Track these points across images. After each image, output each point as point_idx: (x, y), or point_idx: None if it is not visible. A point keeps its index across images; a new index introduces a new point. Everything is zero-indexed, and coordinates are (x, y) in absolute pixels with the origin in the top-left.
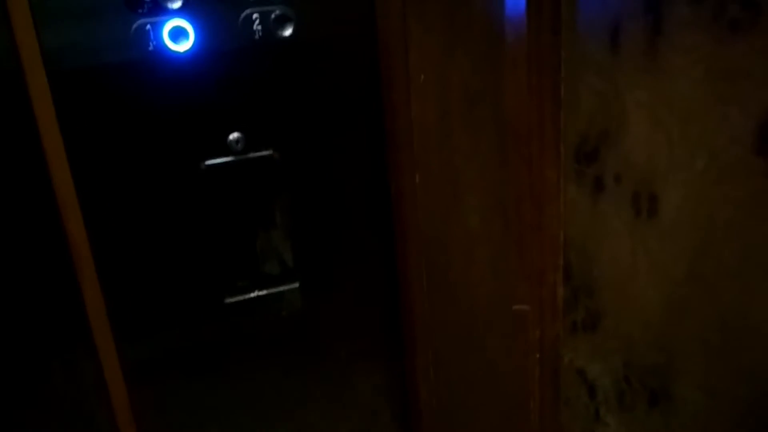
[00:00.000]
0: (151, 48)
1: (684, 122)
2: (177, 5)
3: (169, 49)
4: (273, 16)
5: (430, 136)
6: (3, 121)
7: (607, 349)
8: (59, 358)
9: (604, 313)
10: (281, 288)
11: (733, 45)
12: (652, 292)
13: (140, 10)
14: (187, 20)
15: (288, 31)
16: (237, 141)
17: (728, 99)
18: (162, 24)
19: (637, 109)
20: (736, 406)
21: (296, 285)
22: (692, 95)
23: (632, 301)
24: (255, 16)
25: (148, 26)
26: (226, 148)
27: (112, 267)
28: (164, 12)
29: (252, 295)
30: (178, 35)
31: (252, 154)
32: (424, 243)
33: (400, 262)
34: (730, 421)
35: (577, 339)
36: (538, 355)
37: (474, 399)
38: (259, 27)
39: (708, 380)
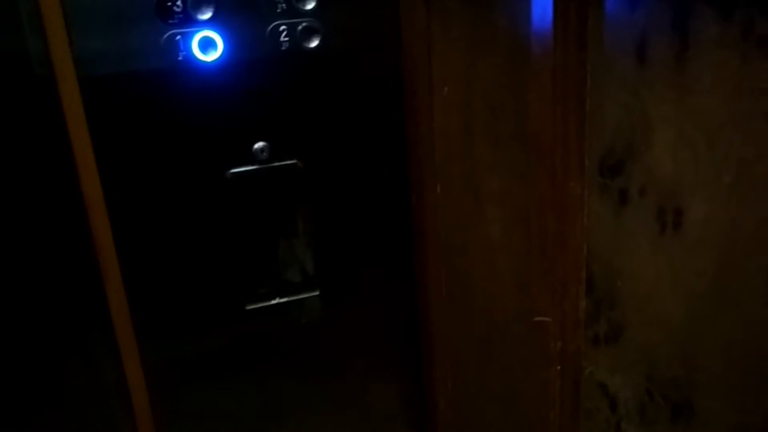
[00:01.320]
0: (180, 57)
1: (710, 137)
2: (207, 16)
3: (198, 59)
4: (300, 28)
5: (453, 147)
6: (34, 125)
7: (629, 362)
8: (82, 359)
9: (626, 326)
10: (302, 296)
11: (760, 62)
12: (675, 305)
13: (171, 21)
14: (217, 31)
15: (314, 43)
16: (262, 150)
17: (755, 115)
18: (192, 35)
19: (662, 123)
20: (759, 420)
21: (316, 293)
22: (719, 111)
23: (655, 314)
24: (282, 27)
25: (179, 36)
26: (250, 157)
27: (136, 271)
28: (194, 23)
29: (273, 302)
30: (208, 46)
31: (276, 163)
32: (445, 253)
33: (419, 273)
34: None
35: (599, 351)
36: (558, 367)
37: (492, 411)
38: (287, 38)
39: (731, 394)
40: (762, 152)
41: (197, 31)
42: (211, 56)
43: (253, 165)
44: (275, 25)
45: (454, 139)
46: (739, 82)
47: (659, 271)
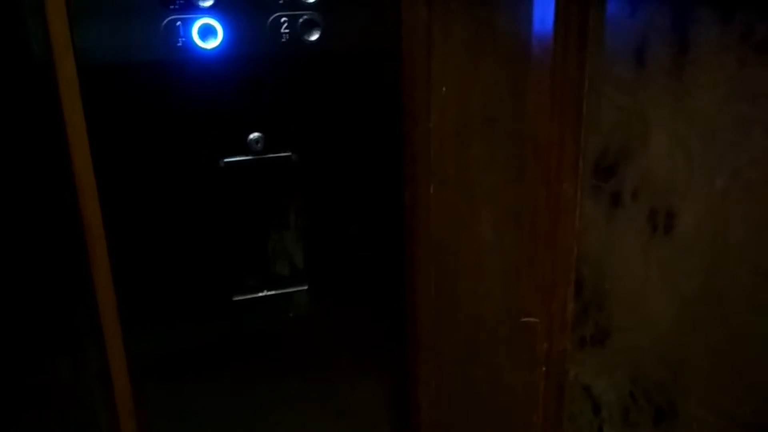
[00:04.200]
0: (180, 44)
1: (705, 141)
2: (208, 4)
3: (198, 47)
4: (301, 20)
5: (448, 147)
6: (30, 107)
7: (614, 365)
8: (66, 348)
9: (613, 329)
10: (290, 289)
11: (758, 67)
12: (663, 309)
13: (172, 6)
14: (217, 19)
15: (314, 37)
16: (257, 141)
17: (751, 120)
18: (192, 21)
19: (658, 126)
20: (742, 426)
21: (305, 287)
22: (715, 115)
23: (642, 317)
24: (283, 19)
25: (179, 23)
26: (245, 147)
27: (125, 259)
28: (195, 9)
29: (260, 294)
30: (208, 33)
31: (271, 155)
32: (435, 252)
33: (409, 271)
34: None
35: (585, 354)
36: (544, 369)
37: (475, 412)
38: (287, 31)
39: (715, 399)
40: (755, 158)
41: (198, 18)
42: (211, 44)
43: (247, 155)
44: (276, 17)
45: (450, 139)
46: (737, 86)
47: (649, 274)
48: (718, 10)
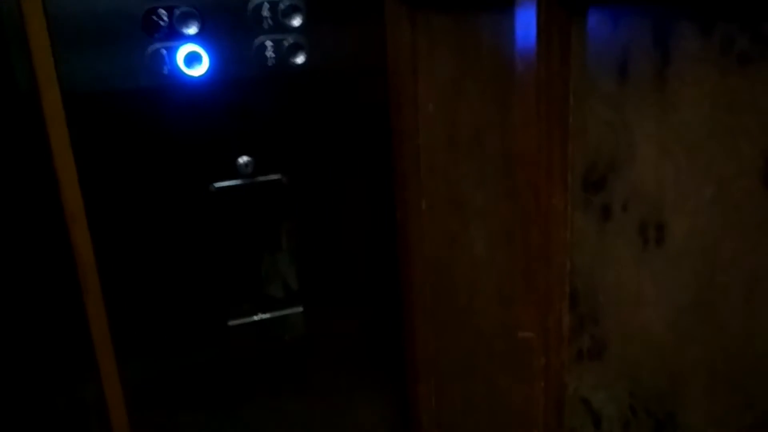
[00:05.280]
0: (165, 72)
1: (691, 152)
2: (193, 31)
3: (184, 74)
4: (286, 44)
5: (438, 163)
6: (17, 139)
7: (612, 378)
8: (62, 379)
9: (609, 341)
10: (285, 312)
11: (740, 78)
12: (658, 320)
13: (156, 35)
14: (202, 46)
15: (300, 59)
16: (246, 164)
17: (735, 130)
18: (177, 48)
19: (644, 139)
20: None
21: (300, 309)
22: (700, 126)
23: (638, 329)
24: (269, 43)
25: (164, 51)
26: (235, 171)
27: (117, 286)
28: (180, 37)
29: (255, 318)
30: (193, 60)
31: (261, 178)
32: (430, 269)
33: (404, 288)
34: None
35: (583, 367)
36: (542, 384)
37: (476, 428)
38: (273, 54)
39: (714, 409)
40: (741, 167)
41: (182, 45)
42: (197, 71)
43: (237, 179)
44: (261, 41)
45: (439, 156)
46: (719, 97)
47: (642, 285)
48: (697, 22)
